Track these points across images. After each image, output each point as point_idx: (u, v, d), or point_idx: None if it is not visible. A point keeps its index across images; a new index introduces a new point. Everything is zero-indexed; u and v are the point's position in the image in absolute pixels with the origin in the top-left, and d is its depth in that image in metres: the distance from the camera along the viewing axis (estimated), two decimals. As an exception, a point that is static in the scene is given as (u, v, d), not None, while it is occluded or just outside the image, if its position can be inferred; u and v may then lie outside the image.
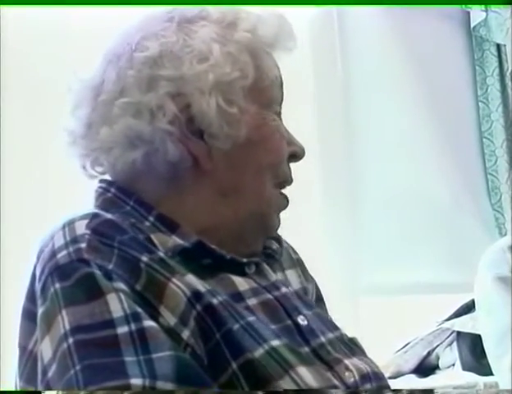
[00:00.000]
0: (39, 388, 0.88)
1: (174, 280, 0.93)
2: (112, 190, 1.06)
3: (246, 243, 1.09)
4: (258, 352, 0.93)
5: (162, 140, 1.01)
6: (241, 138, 1.04)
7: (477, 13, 3.10)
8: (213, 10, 1.09)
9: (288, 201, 1.12)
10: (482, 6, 3.07)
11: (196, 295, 0.93)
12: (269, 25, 1.09)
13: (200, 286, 0.96)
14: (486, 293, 1.78)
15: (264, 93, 1.08)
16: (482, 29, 3.14)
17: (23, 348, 0.92)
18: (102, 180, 1.09)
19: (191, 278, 0.96)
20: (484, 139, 3.16)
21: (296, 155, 1.12)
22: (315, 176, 2.47)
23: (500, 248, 1.78)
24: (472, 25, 3.14)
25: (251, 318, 0.97)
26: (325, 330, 1.08)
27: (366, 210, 2.81)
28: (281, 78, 1.12)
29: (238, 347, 0.93)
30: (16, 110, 2.12)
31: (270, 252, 1.13)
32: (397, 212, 2.87)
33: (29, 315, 0.92)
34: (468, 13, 3.14)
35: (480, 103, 3.18)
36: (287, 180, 1.11)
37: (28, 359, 0.91)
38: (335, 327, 1.11)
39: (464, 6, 3.09)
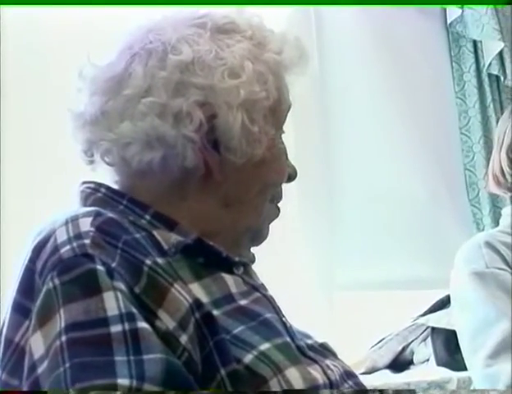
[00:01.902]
0: (25, 383, 0.87)
1: (176, 286, 0.94)
2: (102, 190, 1.08)
3: (238, 251, 1.12)
4: (248, 358, 0.95)
5: (184, 146, 1.03)
6: (256, 157, 1.07)
7: (453, 9, 3.10)
8: (242, 22, 1.11)
9: (279, 211, 1.16)
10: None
11: (197, 303, 0.94)
12: (293, 48, 1.12)
13: (203, 295, 0.98)
14: (461, 288, 1.78)
15: (278, 115, 1.11)
16: (458, 25, 3.14)
17: (9, 340, 0.92)
18: (87, 182, 1.09)
19: (194, 286, 0.98)
20: (461, 135, 3.17)
21: (290, 177, 1.16)
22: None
23: (476, 243, 1.78)
24: (448, 22, 3.15)
25: (241, 328, 0.98)
26: (302, 336, 1.11)
27: (342, 205, 2.81)
28: (290, 101, 1.14)
29: (227, 355, 0.94)
30: (15, 109, 2.11)
31: (249, 257, 1.17)
32: (374, 207, 2.87)
33: (20, 309, 0.92)
34: (445, 9, 3.15)
35: (457, 100, 3.18)
36: (280, 198, 1.16)
37: (14, 351, 0.91)
38: (307, 336, 1.14)
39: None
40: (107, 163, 1.08)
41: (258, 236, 1.15)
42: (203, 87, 1.03)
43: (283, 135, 1.16)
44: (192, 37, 1.06)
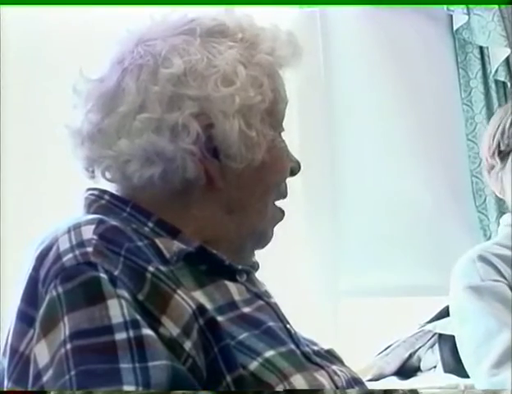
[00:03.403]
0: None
1: (179, 292, 0.94)
2: (106, 197, 1.07)
3: (242, 255, 1.12)
4: (253, 365, 0.95)
5: (183, 159, 1.02)
6: (256, 161, 1.06)
7: (459, 16, 3.10)
8: (232, 25, 1.10)
9: (284, 213, 1.15)
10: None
11: (200, 309, 0.94)
12: (285, 45, 1.11)
13: (206, 301, 0.98)
14: (459, 302, 1.80)
15: (276, 115, 1.11)
16: (464, 31, 3.13)
17: (14, 350, 0.92)
18: (92, 188, 1.09)
19: (197, 294, 0.98)
20: (468, 142, 3.17)
21: (294, 171, 1.15)
22: (296, 179, 2.45)
23: (470, 258, 1.80)
24: (454, 28, 3.15)
25: (245, 335, 0.98)
26: (307, 342, 1.11)
27: (347, 212, 2.80)
28: (287, 98, 1.14)
29: (233, 361, 0.94)
30: (16, 110, 2.11)
31: (252, 264, 1.17)
32: (379, 213, 2.87)
33: (24, 318, 0.92)
34: (451, 16, 3.15)
35: (464, 106, 3.18)
36: (285, 196, 1.15)
37: (19, 360, 0.91)
38: (312, 342, 1.13)
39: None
40: (108, 180, 1.08)
41: (263, 239, 1.15)
42: (197, 98, 1.03)
43: (288, 138, 1.15)
44: (182, 46, 1.05)
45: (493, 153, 1.85)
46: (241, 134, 1.04)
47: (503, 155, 1.83)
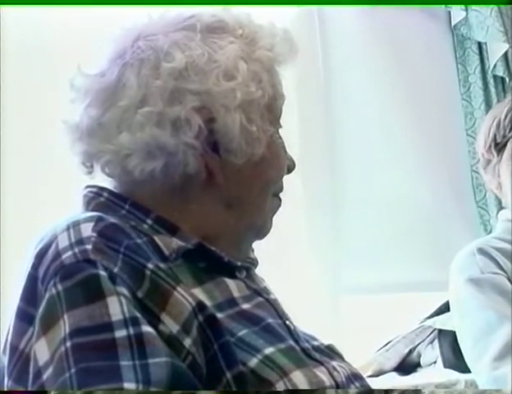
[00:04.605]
0: (30, 389, 0.87)
1: (179, 289, 0.94)
2: (105, 194, 1.07)
3: (240, 249, 1.12)
4: (253, 362, 0.95)
5: (185, 153, 1.03)
6: (256, 156, 1.07)
7: (457, 11, 3.11)
8: (231, 21, 1.10)
9: (281, 202, 1.16)
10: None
11: (200, 306, 0.94)
12: (283, 42, 1.12)
13: (205, 298, 0.98)
14: (459, 296, 1.80)
15: (275, 111, 1.12)
16: (463, 27, 3.14)
17: (14, 348, 0.92)
18: (90, 186, 1.09)
19: (196, 291, 0.98)
20: (468, 137, 3.17)
21: (289, 169, 1.16)
22: (296, 176, 2.44)
23: (470, 251, 1.80)
24: (453, 24, 3.15)
25: (245, 332, 0.98)
26: (307, 338, 1.11)
27: (347, 208, 2.81)
28: (284, 94, 1.14)
29: (233, 358, 0.94)
30: (15, 110, 2.12)
31: (251, 260, 1.17)
32: (380, 210, 2.87)
33: (24, 316, 0.92)
34: (449, 12, 3.15)
35: (463, 101, 3.18)
36: (281, 190, 1.15)
37: (19, 358, 0.91)
38: (312, 338, 1.14)
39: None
40: (108, 175, 1.08)
41: (262, 231, 1.16)
42: (198, 92, 1.03)
43: (287, 135, 1.16)
44: (183, 41, 1.06)
45: (489, 147, 1.85)
46: (242, 128, 1.05)
47: (500, 147, 1.83)
